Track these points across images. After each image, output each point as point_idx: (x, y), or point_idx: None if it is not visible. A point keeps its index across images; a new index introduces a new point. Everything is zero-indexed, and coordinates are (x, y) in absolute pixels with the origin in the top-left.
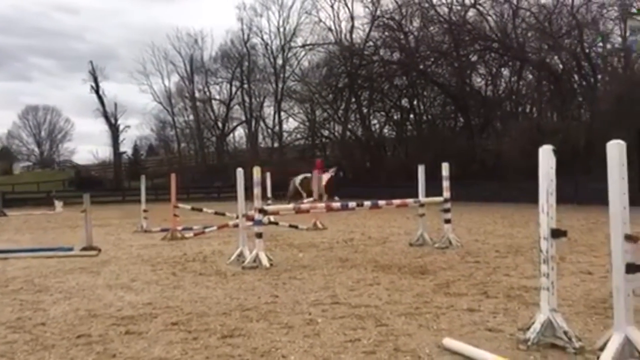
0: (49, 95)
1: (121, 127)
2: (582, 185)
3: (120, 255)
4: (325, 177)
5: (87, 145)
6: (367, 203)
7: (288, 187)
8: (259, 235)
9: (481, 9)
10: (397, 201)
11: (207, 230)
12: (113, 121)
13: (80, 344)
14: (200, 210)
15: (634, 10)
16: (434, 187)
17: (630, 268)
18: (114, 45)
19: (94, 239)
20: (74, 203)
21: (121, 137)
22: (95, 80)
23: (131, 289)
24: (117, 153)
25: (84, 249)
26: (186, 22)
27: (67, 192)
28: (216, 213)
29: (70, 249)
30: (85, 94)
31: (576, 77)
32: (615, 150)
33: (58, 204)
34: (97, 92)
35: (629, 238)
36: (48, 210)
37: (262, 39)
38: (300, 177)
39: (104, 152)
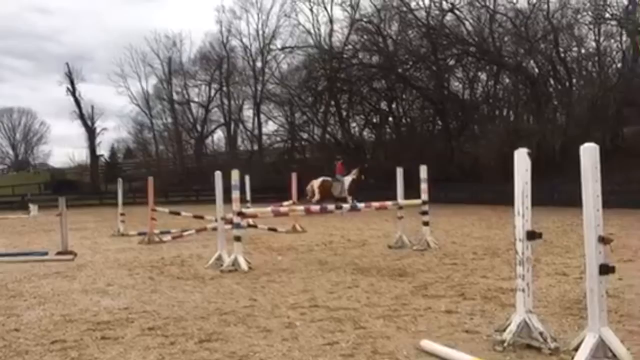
0: (24, 97)
1: (98, 130)
2: (558, 188)
3: (96, 259)
4: (347, 179)
5: (64, 148)
6: (346, 206)
7: (306, 189)
8: (238, 239)
9: (459, 13)
10: (376, 204)
11: (185, 233)
12: (90, 124)
13: (54, 350)
14: (179, 213)
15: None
16: (412, 190)
17: (604, 269)
18: (90, 46)
19: (70, 243)
20: (49, 207)
21: (98, 140)
22: (72, 82)
23: (107, 294)
24: (94, 156)
25: (60, 253)
26: (164, 24)
27: (42, 196)
28: (194, 216)
29: (45, 253)
30: (61, 96)
31: (552, 81)
32: (589, 154)
33: (33, 208)
34: (73, 94)
35: (602, 240)
36: (23, 214)
37: (242, 41)
38: (320, 179)
39: (81, 155)
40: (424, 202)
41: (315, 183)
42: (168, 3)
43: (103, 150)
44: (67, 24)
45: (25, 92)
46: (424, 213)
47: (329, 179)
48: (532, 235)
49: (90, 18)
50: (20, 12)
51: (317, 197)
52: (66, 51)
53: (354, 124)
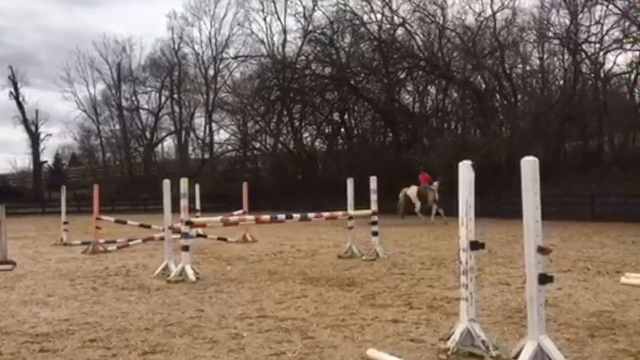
0: None
1: (42, 136)
2: (504, 200)
3: (37, 269)
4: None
5: (5, 153)
6: (297, 216)
7: (400, 199)
8: (186, 249)
9: (410, 28)
10: (326, 214)
11: (131, 243)
12: (34, 129)
13: None
14: (125, 222)
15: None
16: (363, 200)
17: (543, 279)
18: (33, 49)
19: (10, 253)
20: None
21: (42, 146)
22: (15, 86)
23: (48, 305)
24: (37, 163)
25: None
26: (114, 29)
27: None
28: (141, 226)
29: None
30: (1, 100)
31: (498, 96)
32: (529, 167)
33: None
34: (17, 98)
35: (541, 250)
36: None
37: (194, 49)
38: (414, 188)
39: (24, 161)
40: (374, 213)
41: (411, 192)
42: (117, 8)
43: (47, 157)
44: (8, 24)
45: None
46: (374, 224)
47: (422, 187)
48: (475, 246)
49: (32, 19)
50: None
51: (418, 205)
52: (7, 53)
53: (306, 135)
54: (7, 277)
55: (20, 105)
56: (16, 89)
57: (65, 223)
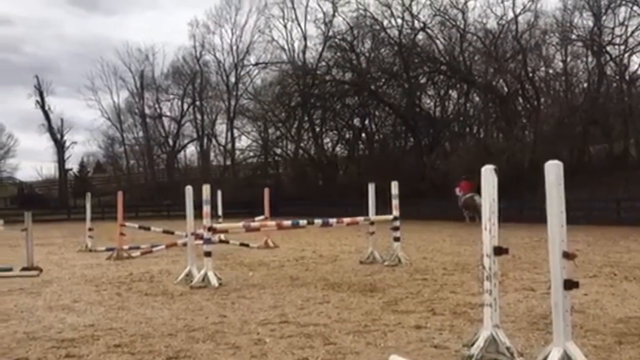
0: None
1: (67, 144)
2: (527, 204)
3: (62, 275)
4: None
5: (31, 161)
6: (318, 221)
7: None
8: (208, 254)
9: (430, 32)
10: (347, 219)
11: (154, 249)
12: (59, 137)
13: None
14: (148, 229)
15: None
16: (384, 205)
17: (568, 284)
18: (53, 58)
19: (36, 259)
20: (16, 221)
21: (67, 154)
22: (41, 94)
23: (73, 311)
24: (62, 170)
25: (24, 269)
26: (132, 37)
27: (8, 210)
28: (164, 231)
29: (9, 269)
30: (25, 108)
31: (520, 99)
32: (553, 171)
33: None
34: (42, 107)
35: (566, 255)
36: None
37: (215, 56)
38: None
39: (49, 169)
40: (395, 218)
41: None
42: (133, 16)
43: (72, 165)
44: (28, 34)
45: None
46: (396, 229)
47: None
48: (499, 251)
49: (51, 28)
50: None
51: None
52: (28, 62)
53: (327, 140)
54: (34, 283)
55: (46, 113)
56: (42, 98)
57: (90, 229)
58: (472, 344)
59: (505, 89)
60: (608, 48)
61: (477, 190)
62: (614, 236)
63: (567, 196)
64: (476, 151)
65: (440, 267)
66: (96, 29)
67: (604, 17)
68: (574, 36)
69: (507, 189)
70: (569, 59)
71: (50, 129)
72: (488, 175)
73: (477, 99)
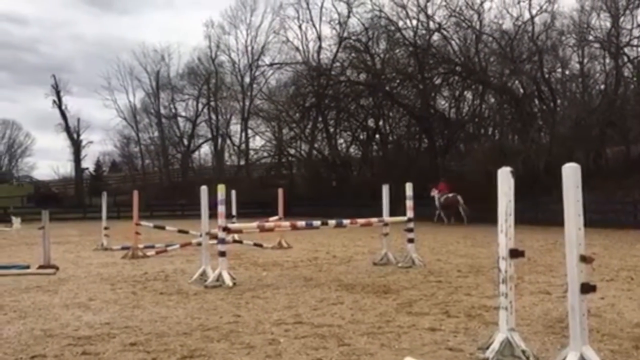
0: (2, 108)
1: (83, 143)
2: (543, 206)
3: (78, 273)
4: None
5: (48, 160)
6: (332, 222)
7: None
8: (223, 254)
9: (445, 33)
10: (361, 220)
11: (169, 248)
12: (75, 137)
13: None
14: (163, 228)
15: None
16: (398, 207)
17: (585, 288)
18: (68, 58)
19: (52, 257)
20: (32, 220)
21: (83, 153)
22: (58, 94)
23: (89, 309)
24: (78, 169)
25: (41, 267)
26: (151, 38)
27: (25, 209)
28: (179, 231)
29: (27, 267)
30: (41, 108)
31: (536, 101)
32: (571, 173)
33: (16, 221)
34: (59, 107)
35: (583, 259)
36: (5, 227)
37: (230, 56)
38: (452, 194)
39: (65, 167)
40: (410, 220)
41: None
42: (147, 17)
43: (88, 164)
44: (44, 34)
45: (4, 104)
46: (410, 230)
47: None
48: (515, 254)
49: (66, 28)
50: None
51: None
52: (43, 62)
53: (341, 141)
54: (50, 281)
55: (63, 113)
56: (59, 97)
57: (106, 228)
58: (487, 347)
59: (521, 90)
60: (626, 49)
61: (453, 191)
62: (630, 240)
63: (583, 199)
64: (491, 153)
65: (455, 269)
66: (111, 29)
67: (621, 19)
68: (591, 37)
69: (523, 191)
70: (586, 61)
71: (67, 129)
72: (505, 177)
73: (492, 100)
